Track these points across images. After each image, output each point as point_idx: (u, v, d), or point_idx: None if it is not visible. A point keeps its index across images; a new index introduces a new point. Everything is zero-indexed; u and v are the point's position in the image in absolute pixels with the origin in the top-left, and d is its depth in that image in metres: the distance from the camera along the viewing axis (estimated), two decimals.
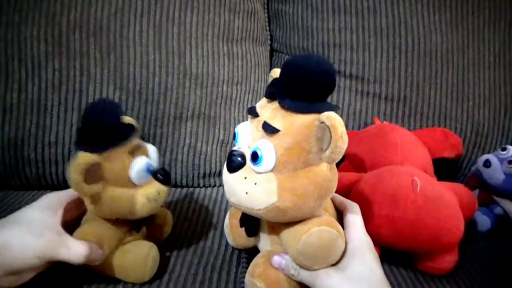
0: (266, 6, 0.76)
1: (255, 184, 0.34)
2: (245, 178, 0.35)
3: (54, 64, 0.57)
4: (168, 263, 0.45)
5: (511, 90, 0.70)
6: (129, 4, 0.59)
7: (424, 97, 0.67)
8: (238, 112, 0.67)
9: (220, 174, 0.66)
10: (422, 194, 0.44)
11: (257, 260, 0.40)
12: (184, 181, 0.64)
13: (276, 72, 0.38)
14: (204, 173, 0.65)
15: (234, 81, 0.66)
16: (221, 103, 0.65)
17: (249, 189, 0.34)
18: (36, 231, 0.35)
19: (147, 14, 0.60)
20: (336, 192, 0.40)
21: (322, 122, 0.32)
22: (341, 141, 0.31)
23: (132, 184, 0.38)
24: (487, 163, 0.53)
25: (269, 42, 0.77)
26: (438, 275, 0.46)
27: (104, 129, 0.36)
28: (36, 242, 0.34)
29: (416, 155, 0.55)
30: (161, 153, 0.62)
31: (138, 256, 0.40)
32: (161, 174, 0.40)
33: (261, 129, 0.34)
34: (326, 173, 0.34)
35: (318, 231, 0.34)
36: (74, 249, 0.36)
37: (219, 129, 0.65)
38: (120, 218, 0.40)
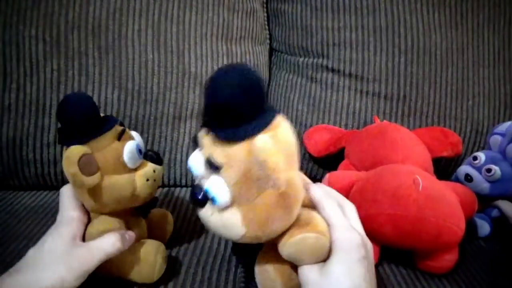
0: (265, 5, 0.76)
1: (221, 220, 0.33)
2: (211, 214, 0.34)
3: (52, 64, 0.57)
4: (168, 262, 0.45)
5: (510, 89, 0.70)
6: (128, 4, 0.59)
7: (424, 96, 0.67)
8: None
9: None
10: (424, 192, 0.44)
11: (264, 248, 0.40)
12: (183, 181, 0.64)
13: None
14: None
15: None
16: None
17: (218, 225, 0.34)
18: (67, 260, 0.35)
19: (146, 13, 0.60)
20: (338, 191, 0.39)
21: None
22: (273, 171, 0.31)
23: (127, 169, 0.38)
24: (468, 177, 0.53)
25: (268, 41, 0.77)
26: (438, 274, 0.46)
27: (84, 119, 0.36)
28: (74, 269, 0.34)
29: (417, 155, 0.55)
30: (160, 153, 0.62)
31: (146, 255, 0.40)
32: (152, 154, 0.41)
33: (207, 165, 0.33)
34: (281, 192, 0.32)
35: (298, 240, 0.34)
36: (104, 246, 0.36)
37: None
38: (124, 206, 0.39)
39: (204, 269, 0.44)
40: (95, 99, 0.58)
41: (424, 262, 0.46)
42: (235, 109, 0.30)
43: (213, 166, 0.32)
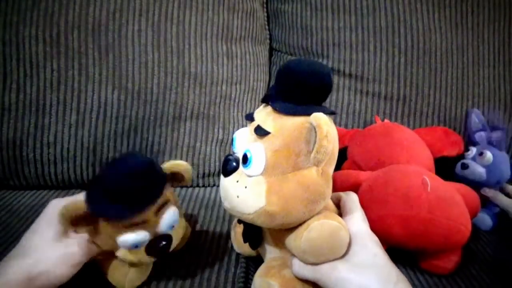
0: (265, 5, 0.76)
1: (245, 187, 0.34)
2: (237, 181, 0.35)
3: (52, 64, 0.57)
4: (166, 262, 0.45)
5: (510, 89, 0.70)
6: (128, 4, 0.59)
7: (424, 96, 0.67)
8: (237, 112, 0.67)
9: (219, 173, 0.66)
10: (434, 193, 0.44)
11: (271, 262, 0.39)
12: None
13: None
14: (203, 173, 0.64)
15: (233, 80, 0.66)
16: (220, 103, 0.65)
17: (240, 192, 0.34)
18: (63, 245, 0.36)
19: (146, 13, 0.60)
20: (342, 190, 0.39)
21: (310, 123, 0.32)
22: (326, 140, 0.31)
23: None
24: (464, 166, 0.58)
25: (268, 41, 0.77)
26: (440, 274, 0.46)
27: (127, 196, 0.34)
28: (69, 254, 0.36)
29: (421, 155, 0.55)
30: (160, 153, 0.62)
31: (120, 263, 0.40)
32: (155, 248, 0.37)
33: (253, 132, 0.35)
34: (315, 177, 0.33)
35: (317, 224, 0.34)
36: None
37: (218, 128, 0.65)
38: None
39: (203, 269, 0.44)
40: (95, 99, 0.58)
41: (429, 262, 0.46)
42: (311, 86, 0.33)
43: (260, 132, 0.34)
